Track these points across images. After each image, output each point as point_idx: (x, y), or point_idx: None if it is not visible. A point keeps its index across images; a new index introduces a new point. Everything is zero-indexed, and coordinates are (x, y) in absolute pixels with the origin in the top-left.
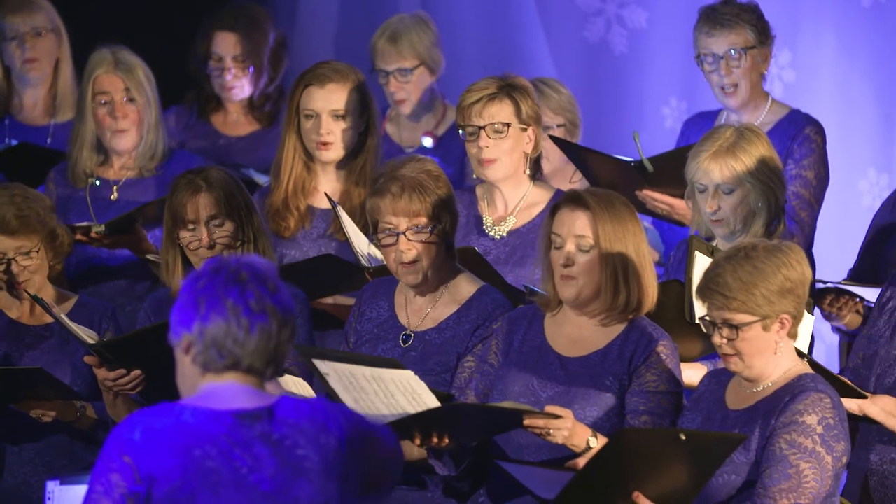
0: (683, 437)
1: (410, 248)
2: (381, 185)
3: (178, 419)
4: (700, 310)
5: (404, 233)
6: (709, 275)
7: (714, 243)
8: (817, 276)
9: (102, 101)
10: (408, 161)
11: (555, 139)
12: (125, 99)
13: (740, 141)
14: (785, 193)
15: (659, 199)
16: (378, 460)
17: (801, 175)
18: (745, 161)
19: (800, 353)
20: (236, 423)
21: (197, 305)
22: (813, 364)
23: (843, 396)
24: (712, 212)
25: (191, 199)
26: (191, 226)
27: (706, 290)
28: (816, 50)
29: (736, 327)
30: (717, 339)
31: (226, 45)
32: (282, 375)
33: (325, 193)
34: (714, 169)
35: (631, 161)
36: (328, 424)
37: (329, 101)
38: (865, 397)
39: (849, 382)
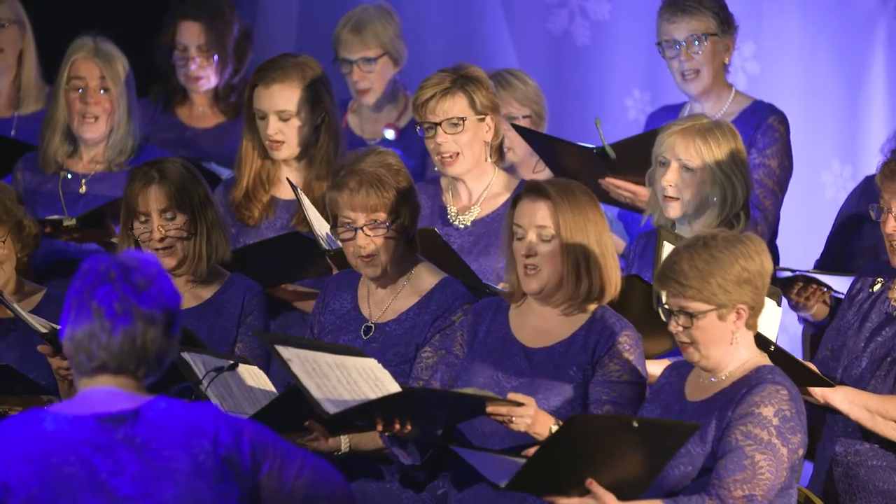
0: (636, 425)
1: (368, 242)
2: (340, 179)
3: (38, 426)
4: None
5: (362, 228)
6: (667, 262)
7: (675, 229)
8: (784, 266)
9: (76, 87)
10: (368, 154)
11: (517, 128)
12: (99, 87)
13: (715, 129)
14: (747, 196)
15: (622, 186)
16: (286, 479)
17: (765, 164)
18: (713, 148)
19: (767, 341)
20: (98, 427)
21: (69, 310)
22: (780, 352)
23: (810, 385)
24: (667, 186)
25: (143, 191)
26: (143, 218)
27: (663, 278)
28: (780, 42)
29: (691, 315)
30: (673, 327)
31: (190, 34)
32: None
33: (287, 179)
34: (680, 144)
35: (593, 148)
36: (205, 427)
37: (274, 102)
38: (832, 386)
39: (816, 370)
